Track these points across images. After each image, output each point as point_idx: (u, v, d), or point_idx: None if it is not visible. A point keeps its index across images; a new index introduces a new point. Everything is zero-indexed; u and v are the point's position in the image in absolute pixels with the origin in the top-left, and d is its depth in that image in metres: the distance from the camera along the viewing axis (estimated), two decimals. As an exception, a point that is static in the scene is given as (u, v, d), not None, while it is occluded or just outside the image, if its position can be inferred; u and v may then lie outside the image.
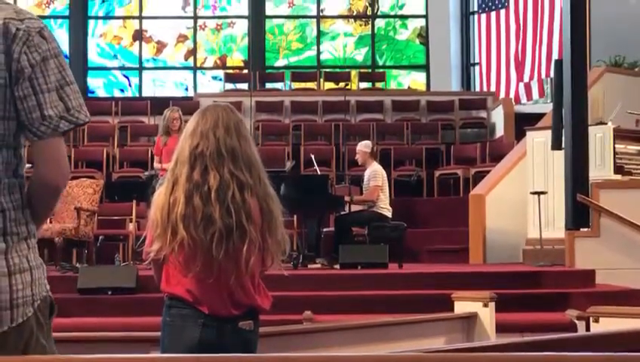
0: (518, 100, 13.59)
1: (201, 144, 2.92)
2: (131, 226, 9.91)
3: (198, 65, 16.19)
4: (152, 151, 10.94)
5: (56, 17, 15.97)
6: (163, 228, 2.89)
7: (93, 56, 16.05)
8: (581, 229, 8.73)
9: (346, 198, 9.45)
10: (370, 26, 16.28)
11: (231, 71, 16.09)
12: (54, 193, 2.21)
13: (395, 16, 16.34)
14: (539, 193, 9.47)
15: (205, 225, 2.85)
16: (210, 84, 16.15)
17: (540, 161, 9.93)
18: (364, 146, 9.83)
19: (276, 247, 2.96)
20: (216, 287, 2.90)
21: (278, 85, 15.66)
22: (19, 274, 2.12)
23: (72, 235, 8.70)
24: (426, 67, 16.02)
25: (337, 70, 16.16)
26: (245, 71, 15.90)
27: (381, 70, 16.00)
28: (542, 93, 13.58)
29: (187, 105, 13.48)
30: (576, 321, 5.71)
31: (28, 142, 2.19)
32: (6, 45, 2.12)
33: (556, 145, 9.15)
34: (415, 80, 16.23)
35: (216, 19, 16.31)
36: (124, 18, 16.29)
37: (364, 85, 15.82)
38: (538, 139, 10.01)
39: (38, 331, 2.16)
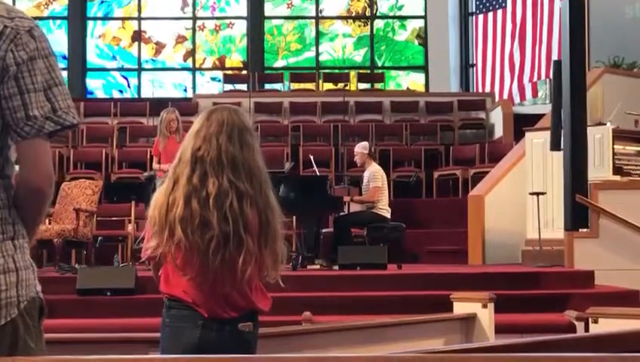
0: (511, 101, 13.61)
1: (202, 147, 2.89)
2: (130, 227, 9.90)
3: (197, 66, 16.20)
4: (150, 152, 10.92)
5: (55, 18, 15.97)
6: (160, 227, 2.88)
7: (92, 57, 16.05)
8: (580, 230, 8.71)
9: (346, 198, 9.44)
10: (369, 26, 16.29)
11: (230, 72, 16.09)
12: (38, 196, 2.13)
13: (393, 17, 16.35)
14: (538, 194, 9.47)
15: (202, 230, 2.83)
16: (209, 85, 16.15)
17: (538, 162, 9.93)
18: (361, 148, 9.81)
19: (272, 259, 2.90)
20: (212, 293, 2.89)
21: (277, 86, 15.66)
22: (2, 275, 2.07)
23: (71, 236, 8.69)
24: (424, 68, 16.03)
25: (336, 71, 16.16)
26: (244, 72, 15.91)
27: (380, 71, 16.01)
28: (535, 94, 13.62)
29: (186, 106, 13.52)
30: (576, 322, 5.72)
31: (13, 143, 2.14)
32: None
33: (555, 145, 9.14)
34: (414, 81, 16.24)
35: (215, 20, 16.31)
36: (123, 19, 16.29)
37: (363, 86, 15.82)
38: (537, 140, 10.01)
39: (25, 333, 2.10)
